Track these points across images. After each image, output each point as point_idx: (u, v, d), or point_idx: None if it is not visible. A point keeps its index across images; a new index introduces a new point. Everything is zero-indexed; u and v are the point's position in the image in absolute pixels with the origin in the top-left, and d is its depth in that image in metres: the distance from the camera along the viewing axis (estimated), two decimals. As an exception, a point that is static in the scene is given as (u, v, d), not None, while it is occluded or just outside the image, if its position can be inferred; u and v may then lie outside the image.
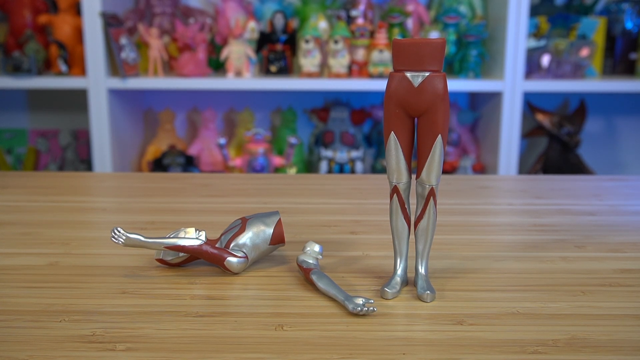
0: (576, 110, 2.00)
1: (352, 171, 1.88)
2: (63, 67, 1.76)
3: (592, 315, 0.55)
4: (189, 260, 0.65)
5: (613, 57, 1.98)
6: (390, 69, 1.69)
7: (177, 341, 0.50)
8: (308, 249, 0.63)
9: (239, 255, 0.63)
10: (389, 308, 0.56)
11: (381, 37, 1.74)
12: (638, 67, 1.92)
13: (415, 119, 0.57)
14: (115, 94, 1.79)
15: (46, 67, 1.82)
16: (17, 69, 1.73)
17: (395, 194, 0.59)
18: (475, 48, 1.78)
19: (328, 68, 1.79)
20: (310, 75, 1.77)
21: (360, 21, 1.81)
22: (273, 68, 1.83)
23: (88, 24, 1.69)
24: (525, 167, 2.12)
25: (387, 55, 1.73)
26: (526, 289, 0.61)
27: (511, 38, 1.71)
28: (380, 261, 0.68)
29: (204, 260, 0.66)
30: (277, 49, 1.82)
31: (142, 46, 1.88)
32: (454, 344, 0.50)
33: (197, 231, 0.64)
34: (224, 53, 1.77)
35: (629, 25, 1.93)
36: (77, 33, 1.79)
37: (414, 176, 0.59)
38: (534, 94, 2.00)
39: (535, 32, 1.87)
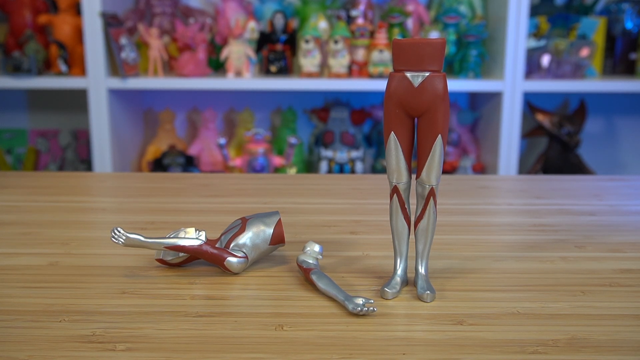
0: (576, 110, 2.00)
1: (352, 171, 1.88)
2: (63, 67, 1.76)
3: (592, 315, 0.55)
4: (189, 260, 0.65)
5: (613, 57, 1.98)
6: (390, 69, 1.69)
7: (177, 341, 0.50)
8: (308, 249, 0.63)
9: (239, 255, 0.63)
10: (389, 308, 0.56)
11: (381, 37, 1.74)
12: (638, 67, 1.92)
13: (415, 119, 0.57)
14: (115, 94, 1.79)
15: (46, 67, 1.82)
16: (17, 69, 1.73)
17: (395, 194, 0.59)
18: (475, 48, 1.78)
19: (328, 68, 1.79)
20: (310, 75, 1.77)
21: (360, 21, 1.81)
22: (273, 68, 1.83)
23: (88, 24, 1.69)
24: (525, 167, 2.12)
25: (387, 55, 1.73)
26: (526, 289, 0.61)
27: (511, 38, 1.71)
28: (380, 261, 0.68)
29: (204, 260, 0.66)
30: (277, 49, 1.82)
31: (142, 46, 1.88)
32: (454, 344, 0.50)
33: (197, 231, 0.64)
34: (224, 53, 1.77)
35: (629, 25, 1.93)
36: (77, 33, 1.79)
37: (414, 176, 0.59)
38: (534, 94, 2.00)
39: (535, 32, 1.87)
